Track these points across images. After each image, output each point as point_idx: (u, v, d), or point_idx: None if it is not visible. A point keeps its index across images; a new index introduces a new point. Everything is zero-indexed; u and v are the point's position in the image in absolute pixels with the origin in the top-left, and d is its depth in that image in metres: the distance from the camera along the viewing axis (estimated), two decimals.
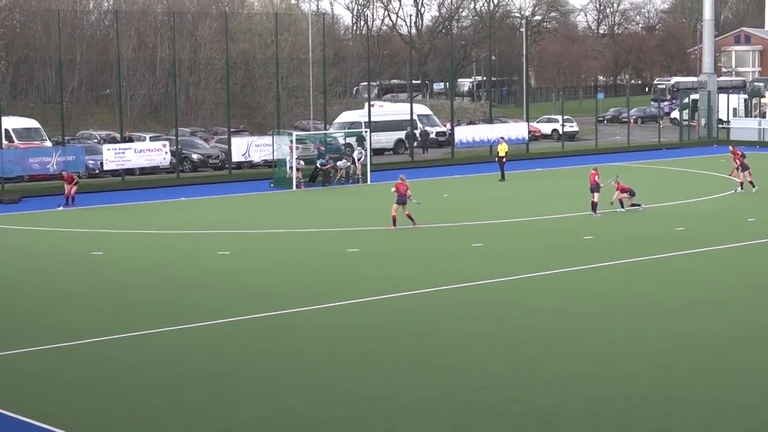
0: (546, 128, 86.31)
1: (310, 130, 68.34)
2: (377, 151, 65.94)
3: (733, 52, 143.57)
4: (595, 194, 41.91)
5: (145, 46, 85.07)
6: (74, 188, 47.37)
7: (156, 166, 57.97)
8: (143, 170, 58.06)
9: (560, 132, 78.75)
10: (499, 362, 21.51)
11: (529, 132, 72.60)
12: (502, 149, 56.36)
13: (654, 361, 21.36)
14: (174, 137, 59.90)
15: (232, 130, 62.94)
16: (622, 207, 42.85)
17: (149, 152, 57.13)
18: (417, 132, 69.52)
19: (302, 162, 55.04)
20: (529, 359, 21.64)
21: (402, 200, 38.75)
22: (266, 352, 22.54)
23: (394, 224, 38.86)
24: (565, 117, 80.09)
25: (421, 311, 26.19)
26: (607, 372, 20.73)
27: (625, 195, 42.88)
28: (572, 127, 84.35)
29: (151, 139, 62.58)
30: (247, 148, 59.61)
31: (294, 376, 20.81)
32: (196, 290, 29.24)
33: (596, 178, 42.09)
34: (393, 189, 39.24)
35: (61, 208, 46.37)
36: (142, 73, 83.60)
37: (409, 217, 38.92)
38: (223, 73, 68.05)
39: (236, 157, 59.36)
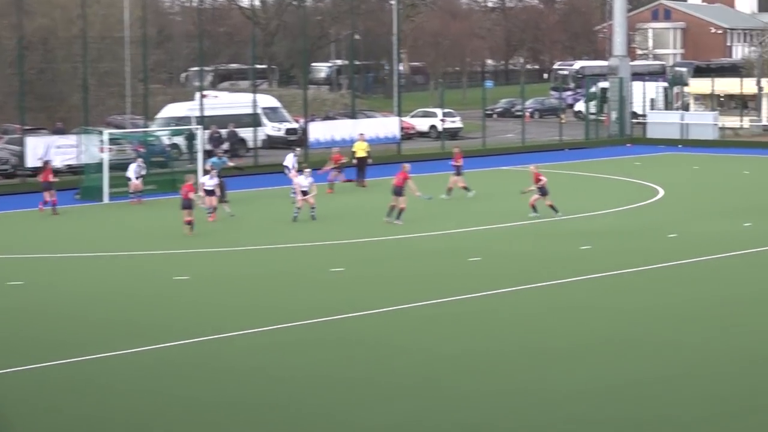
0: (422, 124, 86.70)
1: (126, 128, 67.69)
2: (211, 153, 65.49)
3: (651, 31, 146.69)
4: (400, 198, 43.97)
5: None
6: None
7: None
8: None
9: (440, 129, 79.27)
10: (364, 419, 21.56)
11: (402, 129, 72.93)
12: (361, 148, 56.67)
13: (561, 413, 21.66)
14: None
15: (27, 127, 62.03)
16: (536, 211, 44.20)
17: None
18: (223, 133, 65.98)
19: (143, 169, 52.92)
20: (402, 413, 21.74)
21: (186, 204, 41.79)
22: (57, 413, 22.29)
23: (191, 227, 41.91)
24: (445, 110, 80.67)
25: (264, 352, 26.23)
26: (488, 428, 20.95)
27: (537, 196, 44.01)
28: (454, 122, 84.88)
29: None
30: (46, 150, 58.76)
31: None
32: None
33: (403, 178, 44.07)
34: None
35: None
36: None
37: (190, 222, 41.85)
38: (15, 55, 67.19)
39: (32, 161, 58.49)
